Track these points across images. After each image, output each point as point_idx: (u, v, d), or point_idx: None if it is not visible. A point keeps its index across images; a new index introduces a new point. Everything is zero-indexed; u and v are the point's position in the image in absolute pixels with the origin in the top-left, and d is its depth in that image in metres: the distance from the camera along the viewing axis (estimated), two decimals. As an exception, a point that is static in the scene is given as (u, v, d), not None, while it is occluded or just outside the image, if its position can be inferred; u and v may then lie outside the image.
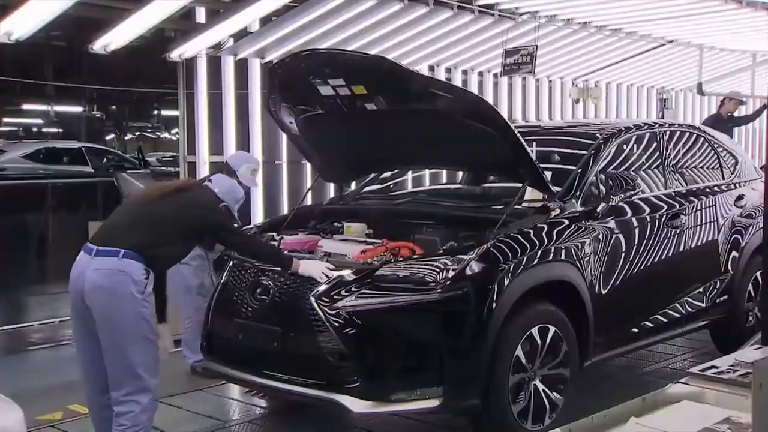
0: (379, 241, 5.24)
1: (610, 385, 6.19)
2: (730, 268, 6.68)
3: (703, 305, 6.46)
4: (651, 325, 6.02)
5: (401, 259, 4.95)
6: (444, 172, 7.97)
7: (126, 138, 34.36)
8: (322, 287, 4.75)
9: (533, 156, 5.30)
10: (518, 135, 5.14)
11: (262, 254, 5.02)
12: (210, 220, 4.65)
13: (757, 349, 3.84)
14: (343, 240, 5.48)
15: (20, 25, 7.00)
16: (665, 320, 6.14)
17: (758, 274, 6.75)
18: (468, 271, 4.72)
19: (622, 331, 5.81)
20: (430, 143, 5.58)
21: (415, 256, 4.98)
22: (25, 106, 25.76)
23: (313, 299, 4.74)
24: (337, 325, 4.66)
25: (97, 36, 7.83)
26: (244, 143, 9.36)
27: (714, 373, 3.47)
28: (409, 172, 7.19)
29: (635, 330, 5.91)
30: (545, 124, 9.60)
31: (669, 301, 6.19)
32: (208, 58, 9.05)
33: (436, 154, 5.90)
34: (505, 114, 11.99)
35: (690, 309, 6.35)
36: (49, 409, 5.60)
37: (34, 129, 27.83)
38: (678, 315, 6.25)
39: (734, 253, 6.71)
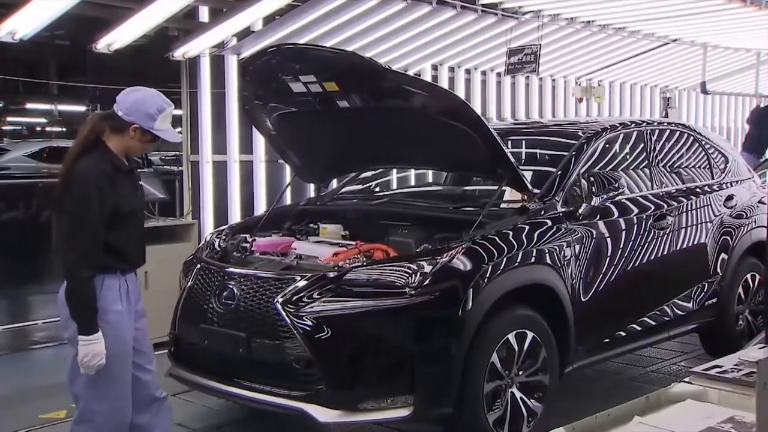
0: (353, 243, 4.84)
1: (595, 390, 5.74)
2: (719, 270, 6.16)
3: (691, 308, 5.95)
4: (635, 329, 5.54)
5: (374, 261, 4.55)
6: (427, 172, 7.52)
7: (129, 137, 33.89)
8: (289, 290, 4.34)
9: (510, 155, 4.87)
10: (495, 134, 4.72)
11: (79, 296, 3.62)
12: (65, 200, 3.55)
13: (761, 348, 3.72)
14: (318, 242, 5.08)
15: (24, 24, 6.84)
16: (650, 325, 5.65)
17: (749, 276, 6.30)
18: (441, 274, 4.32)
19: (605, 336, 5.34)
20: (408, 142, 5.18)
21: (388, 259, 4.58)
22: (29, 105, 25.19)
23: (279, 304, 4.34)
24: (303, 330, 4.27)
25: (100, 35, 7.60)
26: (247, 142, 9.09)
27: (718, 373, 3.33)
28: (390, 172, 6.75)
29: (619, 335, 5.43)
30: (528, 123, 9.00)
31: (655, 304, 5.69)
32: (211, 58, 8.75)
33: (414, 153, 5.48)
34: (507, 113, 11.83)
35: (677, 312, 5.85)
36: (54, 407, 5.34)
37: (38, 128, 27.35)
38: (664, 319, 5.75)
39: (723, 255, 6.18)
